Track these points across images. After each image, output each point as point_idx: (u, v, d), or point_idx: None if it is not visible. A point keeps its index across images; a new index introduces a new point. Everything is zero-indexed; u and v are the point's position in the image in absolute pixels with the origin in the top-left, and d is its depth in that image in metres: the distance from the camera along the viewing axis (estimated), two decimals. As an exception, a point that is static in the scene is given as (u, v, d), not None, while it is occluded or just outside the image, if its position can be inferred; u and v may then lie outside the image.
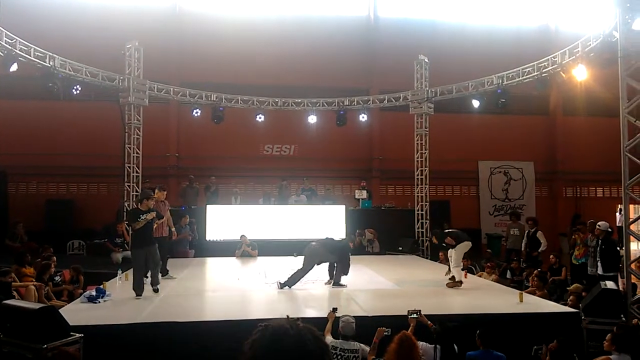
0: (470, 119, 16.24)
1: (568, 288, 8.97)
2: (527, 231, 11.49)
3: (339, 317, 5.58)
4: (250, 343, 1.35)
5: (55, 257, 9.69)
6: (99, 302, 7.25)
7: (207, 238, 13.71)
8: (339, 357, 5.15)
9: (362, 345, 5.28)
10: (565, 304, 7.82)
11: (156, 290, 7.98)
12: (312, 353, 1.32)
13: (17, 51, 10.32)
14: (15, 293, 7.60)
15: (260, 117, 15.01)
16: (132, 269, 8.04)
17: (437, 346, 5.16)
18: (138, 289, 7.71)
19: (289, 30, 17.10)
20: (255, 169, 16.99)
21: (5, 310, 5.66)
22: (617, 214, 13.70)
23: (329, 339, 5.32)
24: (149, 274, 8.17)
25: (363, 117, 15.28)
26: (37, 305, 5.85)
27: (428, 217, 14.62)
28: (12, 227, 13.67)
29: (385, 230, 14.48)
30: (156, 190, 9.53)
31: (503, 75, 12.76)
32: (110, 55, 13.70)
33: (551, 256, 10.87)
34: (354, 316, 5.84)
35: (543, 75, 11.80)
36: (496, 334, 5.47)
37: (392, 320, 5.96)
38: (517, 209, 17.41)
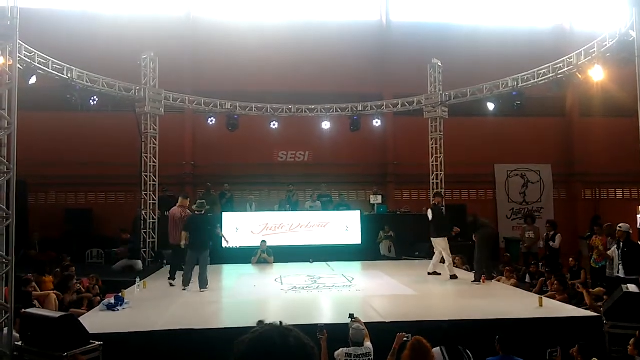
0: (486, 122, 16.09)
1: (591, 290, 8.81)
2: (545, 234, 11.36)
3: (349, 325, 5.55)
4: (237, 344, 1.39)
5: (74, 267, 9.84)
6: (118, 310, 7.32)
7: (223, 245, 13.74)
8: None
9: (369, 345, 5.28)
10: (587, 309, 7.68)
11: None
12: (294, 358, 1.36)
13: (36, 64, 10.52)
14: (36, 302, 7.71)
15: (274, 124, 15.07)
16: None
17: (442, 347, 5.14)
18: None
19: (302, 36, 17.19)
20: (270, 175, 17.05)
21: (27, 319, 5.75)
22: (638, 215, 13.47)
23: (338, 351, 5.25)
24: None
25: (377, 122, 15.25)
26: (57, 314, 5.94)
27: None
28: (30, 236, 13.97)
29: (401, 235, 14.41)
30: (181, 199, 10.53)
31: (518, 78, 12.65)
32: (126, 66, 13.90)
33: (571, 259, 10.71)
34: (371, 322, 5.83)
35: (559, 76, 11.67)
36: (516, 339, 5.39)
37: (410, 325, 5.92)
38: (535, 212, 17.21)
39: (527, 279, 10.73)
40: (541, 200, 18.24)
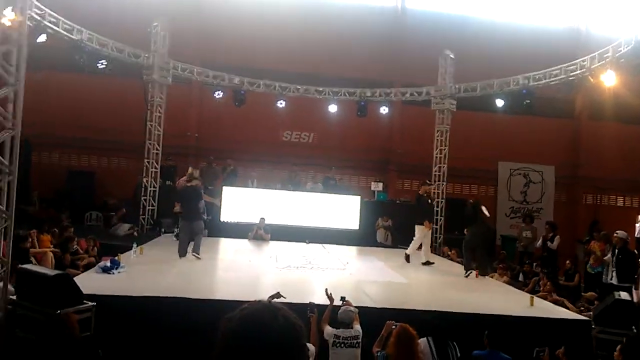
0: (493, 118, 16.00)
1: (583, 294, 8.88)
2: (544, 234, 11.41)
3: (339, 306, 5.61)
4: (225, 321, 1.39)
5: (72, 228, 9.90)
6: (113, 273, 7.39)
7: (222, 219, 13.84)
8: (342, 345, 5.21)
9: (358, 328, 5.34)
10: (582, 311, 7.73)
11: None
12: (283, 337, 1.36)
13: (46, 23, 10.42)
14: (32, 259, 7.78)
15: (281, 103, 14.98)
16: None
17: (429, 338, 5.19)
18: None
19: (315, 16, 17.00)
20: (274, 154, 17.01)
21: (23, 275, 5.81)
22: (637, 224, 13.48)
23: (328, 329, 5.34)
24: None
25: (384, 110, 15.17)
26: (53, 272, 5.99)
27: (443, 214, 14.52)
28: (30, 193, 14.03)
29: (399, 224, 14.44)
30: (190, 169, 10.68)
31: (529, 76, 12.54)
32: (136, 32, 13.77)
33: (567, 262, 10.77)
34: (362, 306, 5.88)
35: (570, 78, 11.58)
36: (504, 336, 5.44)
37: (401, 313, 5.97)
38: (535, 212, 17.21)
39: (521, 278, 10.79)
40: (541, 201, 18.25)
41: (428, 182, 11.56)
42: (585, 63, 11.06)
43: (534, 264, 11.25)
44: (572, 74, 11.50)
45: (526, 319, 6.78)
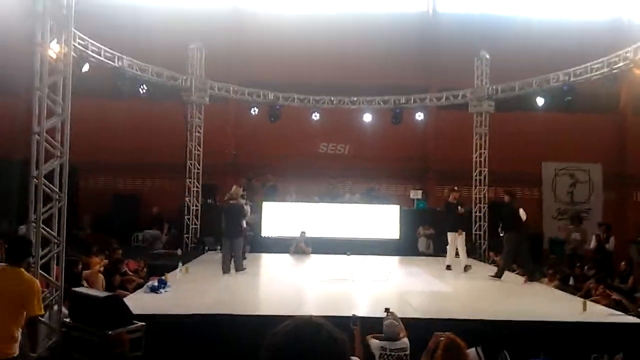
0: (533, 117, 15.54)
1: (635, 295, 8.47)
2: (597, 235, 11.02)
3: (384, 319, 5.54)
4: (270, 337, 1.42)
5: (120, 250, 10.22)
6: (161, 292, 7.56)
7: (263, 234, 13.97)
8: (390, 357, 5.14)
9: (406, 340, 5.25)
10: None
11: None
12: (326, 352, 1.38)
13: (89, 52, 10.88)
14: (84, 282, 8.06)
15: (315, 116, 15.06)
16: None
17: (478, 348, 5.06)
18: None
19: (346, 27, 17.03)
20: (311, 167, 17.07)
21: (75, 298, 6.03)
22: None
23: (374, 342, 5.29)
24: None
25: (419, 116, 14.99)
26: (103, 294, 6.20)
27: (486, 219, 14.20)
28: (79, 218, 14.58)
29: (440, 232, 14.20)
30: (235, 187, 10.75)
31: (570, 72, 12.14)
32: (172, 55, 14.20)
33: (622, 263, 10.32)
34: (406, 318, 5.80)
35: (614, 71, 11.15)
36: (558, 343, 5.26)
37: (446, 323, 5.85)
38: (583, 213, 16.55)
39: (571, 282, 10.38)
40: (589, 201, 17.55)
41: (456, 188, 11.45)
42: (628, 54, 10.63)
43: (585, 266, 10.81)
44: (615, 66, 11.04)
45: (580, 324, 6.52)
